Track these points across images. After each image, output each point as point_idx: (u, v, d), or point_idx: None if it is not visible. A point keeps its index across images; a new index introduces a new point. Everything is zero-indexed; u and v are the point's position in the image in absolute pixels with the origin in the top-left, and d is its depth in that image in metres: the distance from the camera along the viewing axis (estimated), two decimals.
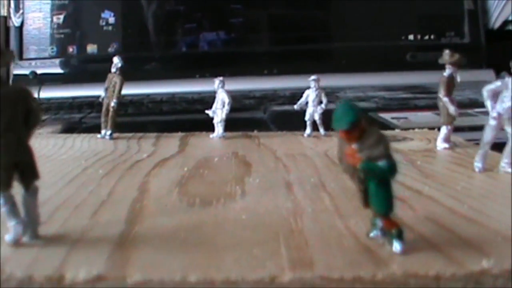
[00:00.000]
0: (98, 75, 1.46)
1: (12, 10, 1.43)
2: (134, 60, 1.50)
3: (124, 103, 1.26)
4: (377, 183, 0.28)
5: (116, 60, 0.69)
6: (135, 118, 1.12)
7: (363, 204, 0.30)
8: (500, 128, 0.47)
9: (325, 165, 0.52)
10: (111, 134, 0.68)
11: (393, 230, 0.29)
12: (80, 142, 0.67)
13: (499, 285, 0.27)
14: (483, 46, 1.37)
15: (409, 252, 0.29)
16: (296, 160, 0.55)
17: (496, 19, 1.38)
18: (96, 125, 1.01)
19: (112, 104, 0.68)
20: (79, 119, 1.06)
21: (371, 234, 0.31)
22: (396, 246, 0.29)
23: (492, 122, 0.47)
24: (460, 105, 0.96)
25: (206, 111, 0.69)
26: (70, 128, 0.95)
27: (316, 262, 0.28)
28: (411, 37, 1.41)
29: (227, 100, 0.68)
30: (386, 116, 0.97)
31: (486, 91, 0.47)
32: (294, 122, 0.84)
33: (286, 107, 1.11)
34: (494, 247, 0.30)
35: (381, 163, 0.27)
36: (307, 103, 0.69)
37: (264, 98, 1.26)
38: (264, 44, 1.48)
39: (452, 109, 0.57)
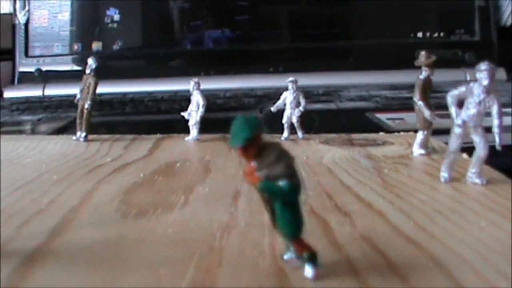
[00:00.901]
0: (103, 73, 1.47)
1: (17, 8, 1.43)
2: (138, 58, 1.50)
3: (124, 102, 1.26)
4: (282, 204, 0.26)
5: (91, 61, 0.68)
6: (131, 117, 1.11)
7: (273, 226, 0.28)
8: (466, 136, 0.45)
9: None
10: (85, 136, 0.67)
11: (305, 253, 0.27)
12: (53, 144, 0.66)
13: None
14: (494, 44, 1.33)
15: (323, 278, 0.27)
16: None
17: (508, 17, 1.33)
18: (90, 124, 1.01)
19: (86, 106, 0.67)
20: (75, 118, 1.05)
21: (285, 257, 0.29)
22: (308, 271, 0.27)
23: (457, 130, 0.44)
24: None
25: (182, 113, 0.68)
26: (64, 127, 0.95)
27: (217, 286, 0.27)
28: (419, 34, 1.37)
29: (201, 102, 0.66)
30: (383, 116, 0.95)
31: (450, 97, 0.44)
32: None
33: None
34: (419, 274, 0.28)
35: (282, 183, 0.25)
36: (284, 105, 0.67)
37: (264, 97, 1.24)
38: (269, 42, 1.46)
39: (427, 113, 0.54)
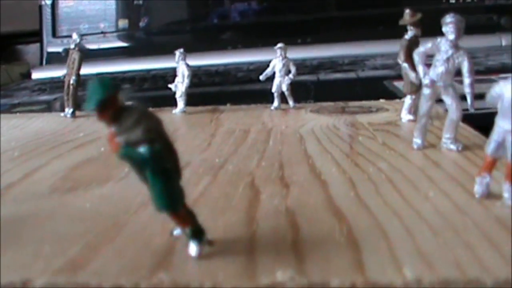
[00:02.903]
0: (129, 50, 1.47)
1: None
2: (165, 34, 1.48)
3: (145, 78, 1.25)
4: (152, 173, 0.23)
5: (75, 36, 0.66)
6: (148, 93, 1.09)
7: None
8: (437, 98, 0.40)
9: (251, 144, 0.47)
10: (73, 112, 0.66)
11: (187, 229, 0.24)
12: (39, 122, 0.65)
13: None
14: None
15: (211, 256, 0.24)
16: (230, 137, 0.50)
17: None
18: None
19: (71, 81, 0.65)
20: None
21: (174, 233, 0.26)
22: (192, 248, 0.24)
23: (426, 91, 0.40)
24: (489, 70, 0.87)
25: (169, 85, 0.65)
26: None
27: (90, 265, 0.24)
28: (452, 0, 1.29)
29: (186, 73, 0.63)
30: (400, 84, 0.89)
31: (417, 55, 0.40)
32: (300, 93, 0.79)
33: (303, 77, 1.04)
34: (321, 254, 0.24)
35: (142, 149, 0.22)
36: (274, 73, 0.63)
37: None
38: (297, 13, 1.41)
39: (413, 76, 0.50)
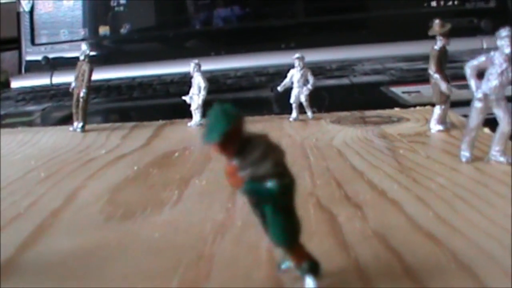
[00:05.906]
0: (111, 58, 1.44)
1: None
2: (147, 41, 1.46)
3: (132, 86, 1.22)
4: (273, 208, 0.22)
5: (84, 47, 0.64)
6: (138, 103, 1.07)
7: (266, 232, 0.23)
8: (487, 111, 0.40)
9: (292, 159, 0.45)
10: (82, 127, 0.63)
11: (304, 263, 0.23)
12: (48, 137, 0.62)
13: None
14: (510, 10, 1.26)
15: None
16: None
17: None
18: (95, 112, 0.97)
19: (82, 94, 0.63)
20: None
21: (283, 266, 0.25)
22: (309, 283, 0.23)
23: (478, 104, 0.40)
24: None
25: (183, 97, 0.63)
26: (69, 116, 0.91)
27: None
28: (433, 3, 1.31)
29: (203, 84, 0.62)
30: (398, 90, 0.89)
31: (469, 68, 0.40)
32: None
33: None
34: (441, 279, 0.24)
35: (270, 183, 0.21)
36: (292, 83, 0.63)
37: (276, 74, 1.19)
38: (280, 18, 1.41)
39: (444, 86, 0.50)
